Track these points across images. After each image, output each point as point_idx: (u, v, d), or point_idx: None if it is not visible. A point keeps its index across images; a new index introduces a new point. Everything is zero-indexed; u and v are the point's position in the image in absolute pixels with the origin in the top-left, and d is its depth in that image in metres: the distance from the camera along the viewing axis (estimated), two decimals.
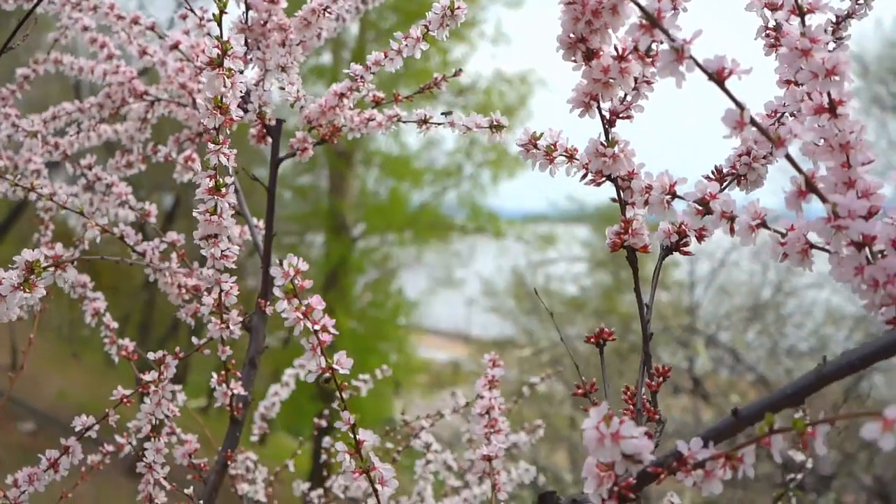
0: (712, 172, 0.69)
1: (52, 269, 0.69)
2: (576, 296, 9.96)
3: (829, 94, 0.53)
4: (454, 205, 11.37)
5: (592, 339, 0.66)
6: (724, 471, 0.50)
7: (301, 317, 0.62)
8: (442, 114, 0.94)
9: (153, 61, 1.14)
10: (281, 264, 0.61)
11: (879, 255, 0.52)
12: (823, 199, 0.51)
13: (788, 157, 0.51)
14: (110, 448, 1.16)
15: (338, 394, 0.65)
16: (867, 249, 0.51)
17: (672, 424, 6.99)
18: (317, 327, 0.62)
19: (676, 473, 0.52)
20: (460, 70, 1.00)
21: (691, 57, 0.50)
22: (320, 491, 1.34)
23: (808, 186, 0.52)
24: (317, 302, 0.63)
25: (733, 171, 0.68)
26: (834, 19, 0.74)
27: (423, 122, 0.94)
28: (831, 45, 0.73)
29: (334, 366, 0.63)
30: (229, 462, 0.99)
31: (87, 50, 1.32)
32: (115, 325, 1.09)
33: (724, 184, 0.68)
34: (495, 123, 0.83)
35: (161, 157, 1.17)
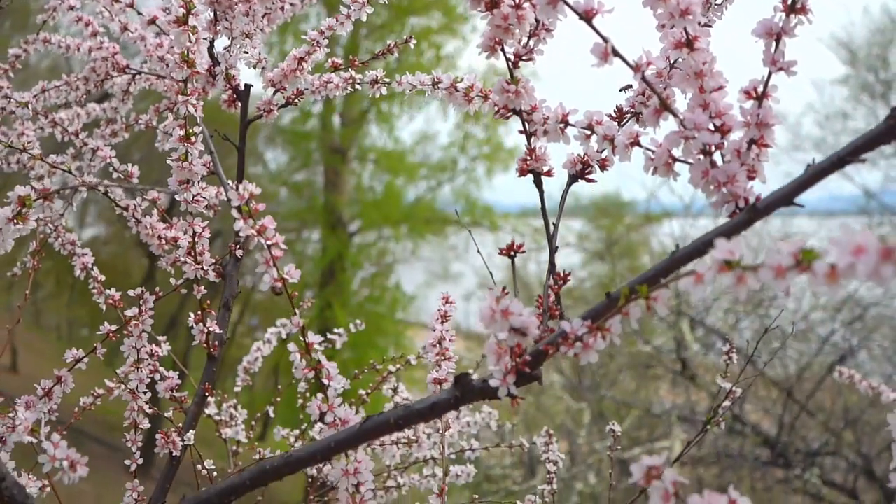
0: (614, 110, 0.79)
1: (40, 201, 0.80)
2: (571, 287, 10.07)
3: (685, 31, 0.64)
4: (449, 199, 11.48)
5: (504, 252, 0.77)
6: (596, 340, 0.60)
7: (255, 234, 0.72)
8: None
9: (133, 37, 1.25)
10: (237, 189, 0.71)
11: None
12: (675, 115, 0.62)
13: (644, 80, 0.62)
14: (100, 391, 1.27)
15: (291, 304, 0.76)
16: (714, 157, 0.62)
17: (662, 408, 7.12)
18: (270, 243, 0.72)
19: (561, 349, 0.63)
20: (410, 37, 1.11)
21: (564, 0, 0.61)
22: (297, 431, 1.45)
23: (663, 105, 0.62)
24: (269, 222, 0.73)
25: (632, 108, 0.79)
26: None
27: (375, 82, 1.05)
28: (718, 1, 0.83)
29: (285, 276, 0.73)
30: (207, 395, 1.09)
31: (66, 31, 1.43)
32: (102, 277, 1.19)
33: (624, 120, 0.79)
34: (436, 81, 0.94)
35: (142, 125, 1.28)
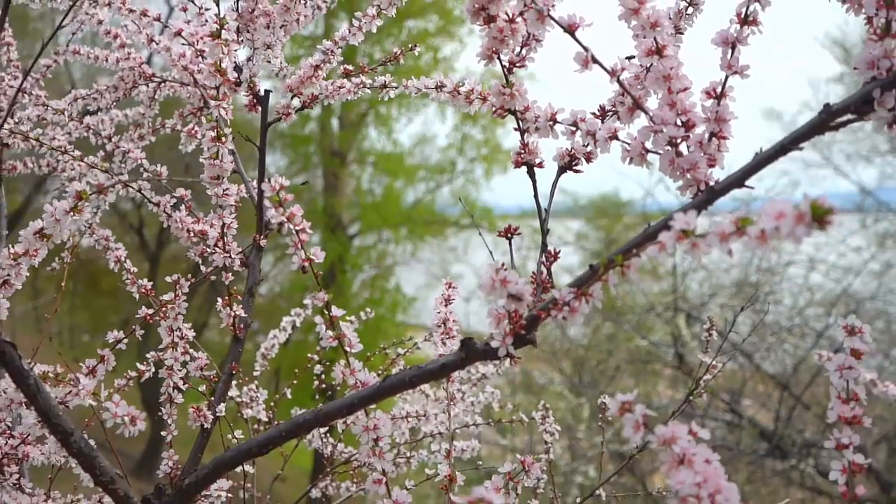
0: (598, 109, 0.90)
1: (95, 195, 0.90)
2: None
3: (655, 41, 0.75)
4: (448, 201, 11.59)
5: (502, 234, 0.88)
6: (581, 303, 0.71)
7: (286, 220, 0.83)
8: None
9: (159, 48, 1.35)
10: (269, 181, 0.82)
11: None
12: (646, 113, 0.73)
13: (619, 83, 0.73)
14: (133, 374, 1.37)
15: (316, 281, 0.86)
16: (680, 147, 0.73)
17: (660, 403, 7.22)
18: (298, 228, 0.83)
19: (552, 313, 0.73)
20: (415, 45, 1.22)
21: (550, 16, 0.72)
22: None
23: (636, 104, 0.73)
24: (297, 210, 0.84)
25: (612, 108, 0.90)
26: None
27: (384, 87, 1.16)
28: (689, 10, 0.94)
29: (311, 256, 0.84)
30: (234, 372, 1.20)
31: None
32: (134, 269, 1.30)
33: (606, 118, 0.89)
34: (440, 84, 1.04)
35: (168, 129, 1.39)
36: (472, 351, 0.78)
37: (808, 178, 9.02)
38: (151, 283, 1.25)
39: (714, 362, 1.33)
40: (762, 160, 0.68)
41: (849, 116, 0.67)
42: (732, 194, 0.75)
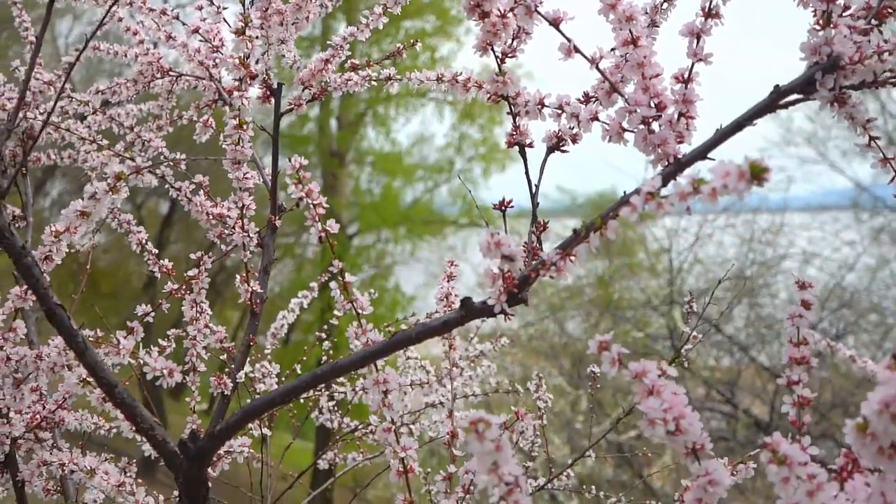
0: (582, 95, 1.00)
1: (133, 175, 1.00)
2: (570, 284, 10.25)
3: (630, 32, 0.85)
4: (446, 200, 11.68)
5: (497, 206, 0.98)
6: (565, 263, 0.81)
7: (304, 195, 0.93)
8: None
9: (176, 44, 1.45)
10: (289, 160, 0.92)
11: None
12: (622, 96, 0.83)
13: (598, 69, 0.83)
14: (156, 350, 1.47)
15: (332, 251, 0.96)
16: (653, 126, 0.83)
17: None
18: (315, 202, 0.93)
19: (541, 272, 0.83)
20: (416, 41, 1.32)
21: (537, 11, 0.82)
22: (322, 385, 1.66)
23: (612, 89, 0.83)
24: (314, 186, 0.94)
25: (595, 94, 0.99)
26: None
27: (388, 79, 1.26)
28: (664, 5, 1.04)
29: (327, 227, 0.94)
30: (251, 344, 1.30)
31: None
32: (155, 251, 1.40)
33: (589, 103, 0.99)
34: (440, 76, 1.14)
35: (185, 119, 1.49)
36: (471, 309, 0.88)
37: (804, 173, 9.11)
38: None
39: (695, 333, 1.42)
40: (722, 135, 0.78)
41: (796, 96, 0.77)
42: None
